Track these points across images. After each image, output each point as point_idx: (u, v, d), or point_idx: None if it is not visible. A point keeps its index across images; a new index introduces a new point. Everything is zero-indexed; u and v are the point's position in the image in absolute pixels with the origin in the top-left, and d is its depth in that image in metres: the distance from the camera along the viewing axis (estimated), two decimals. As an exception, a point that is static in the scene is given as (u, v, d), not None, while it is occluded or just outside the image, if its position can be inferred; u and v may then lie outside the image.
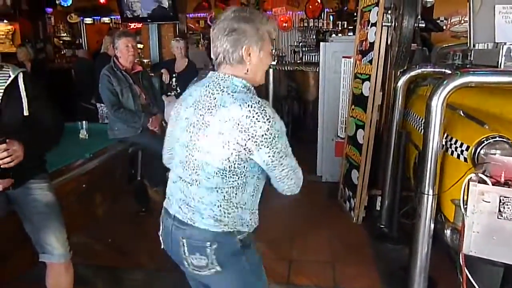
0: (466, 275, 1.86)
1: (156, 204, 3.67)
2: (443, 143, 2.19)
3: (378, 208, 3.58)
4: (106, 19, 10.27)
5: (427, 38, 4.48)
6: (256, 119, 1.23)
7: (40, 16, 8.45)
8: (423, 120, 2.20)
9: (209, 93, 1.34)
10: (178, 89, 4.94)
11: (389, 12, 3.18)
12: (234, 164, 1.28)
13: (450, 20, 5.38)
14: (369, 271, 2.82)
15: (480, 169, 1.79)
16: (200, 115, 1.33)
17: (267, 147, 1.26)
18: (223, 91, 1.32)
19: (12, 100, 1.83)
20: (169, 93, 5.01)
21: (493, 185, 1.70)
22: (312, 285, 2.63)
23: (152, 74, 5.13)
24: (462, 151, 2.10)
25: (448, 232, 2.11)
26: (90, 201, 2.76)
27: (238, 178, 1.32)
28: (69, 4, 9.26)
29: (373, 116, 3.47)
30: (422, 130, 2.23)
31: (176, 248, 1.41)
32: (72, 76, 6.47)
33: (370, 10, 3.56)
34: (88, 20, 10.39)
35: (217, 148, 1.27)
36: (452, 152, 2.18)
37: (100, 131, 3.37)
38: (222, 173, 1.29)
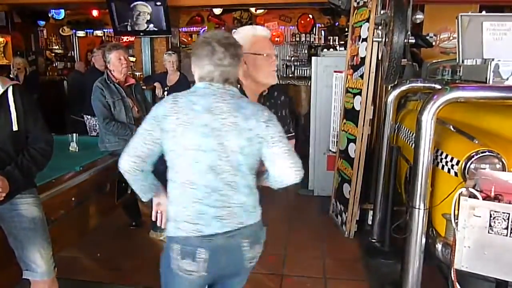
0: (458, 290, 1.85)
1: (147, 218, 3.64)
2: (434, 157, 2.20)
3: (370, 222, 3.57)
4: (98, 32, 10.28)
5: (417, 53, 4.54)
6: None
7: (32, 29, 8.43)
8: (414, 135, 2.21)
9: None
10: (170, 102, 4.93)
11: (380, 27, 3.22)
12: None
13: (439, 36, 5.46)
14: (360, 286, 2.80)
15: (471, 184, 1.80)
16: None
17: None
18: None
19: (1, 115, 1.77)
20: (161, 106, 4.99)
21: (483, 199, 1.70)
22: (303, 300, 2.61)
23: (145, 87, 5.12)
24: (452, 166, 2.11)
25: (439, 246, 2.11)
26: (80, 215, 2.71)
27: None
28: (61, 17, 9.25)
29: (365, 130, 3.49)
30: (413, 145, 2.25)
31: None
32: (64, 88, 6.44)
33: (361, 26, 3.61)
34: (81, 33, 10.38)
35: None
36: (443, 166, 2.19)
37: (90, 144, 3.34)
38: None
